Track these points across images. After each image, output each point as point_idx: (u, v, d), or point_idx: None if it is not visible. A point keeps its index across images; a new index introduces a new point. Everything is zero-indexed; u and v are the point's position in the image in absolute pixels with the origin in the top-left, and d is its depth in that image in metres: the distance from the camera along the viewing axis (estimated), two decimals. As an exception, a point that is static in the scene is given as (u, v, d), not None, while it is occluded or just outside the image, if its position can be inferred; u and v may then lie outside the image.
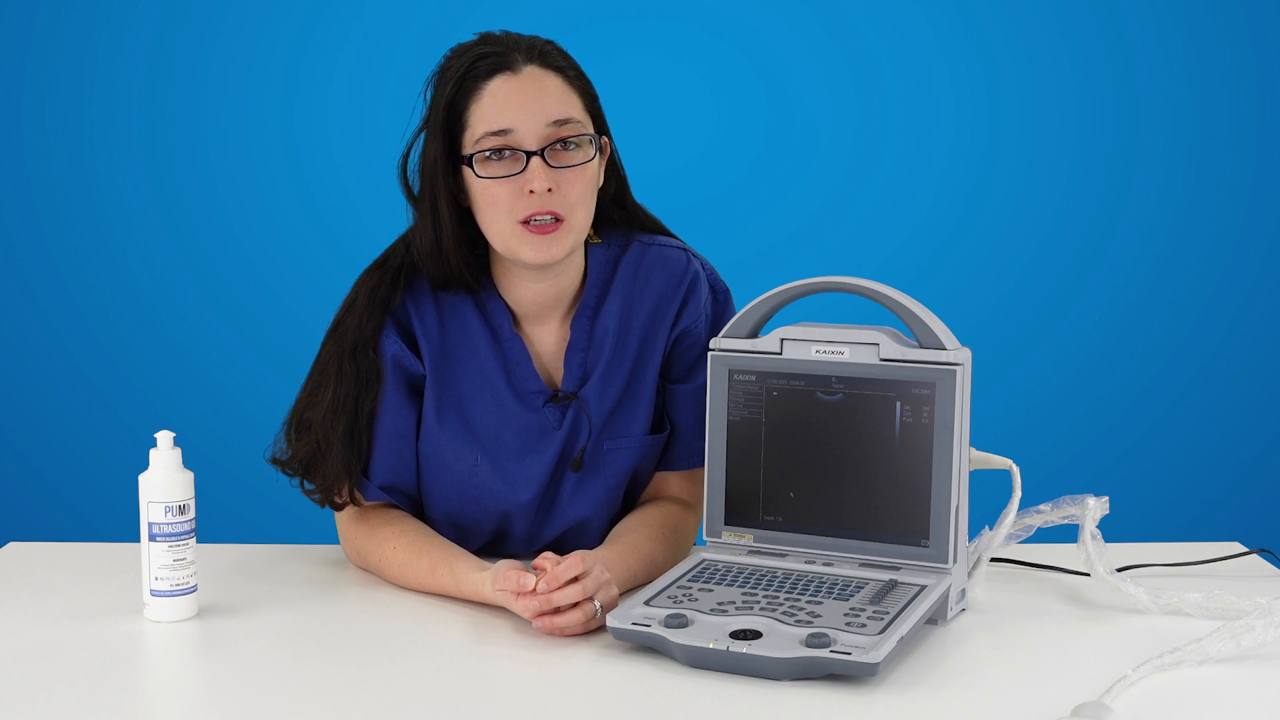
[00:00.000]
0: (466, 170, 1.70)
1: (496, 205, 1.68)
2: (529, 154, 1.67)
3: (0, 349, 3.52)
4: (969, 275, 3.52)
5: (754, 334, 1.70)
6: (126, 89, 3.48)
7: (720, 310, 1.86)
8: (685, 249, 1.85)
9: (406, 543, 1.74)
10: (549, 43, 1.73)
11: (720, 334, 1.70)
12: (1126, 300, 3.55)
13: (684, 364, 1.84)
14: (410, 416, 1.79)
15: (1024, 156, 3.53)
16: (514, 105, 1.67)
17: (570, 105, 1.69)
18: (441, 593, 1.70)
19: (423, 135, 1.73)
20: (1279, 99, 3.48)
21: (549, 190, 1.66)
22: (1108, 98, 3.50)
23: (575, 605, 1.54)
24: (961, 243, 3.54)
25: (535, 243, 1.68)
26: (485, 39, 1.73)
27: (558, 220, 1.68)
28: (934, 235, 3.54)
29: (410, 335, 1.78)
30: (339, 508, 1.79)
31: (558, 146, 1.68)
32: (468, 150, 1.69)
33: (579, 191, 1.69)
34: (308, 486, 1.78)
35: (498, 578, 1.59)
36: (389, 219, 1.83)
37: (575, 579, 1.55)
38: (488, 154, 1.67)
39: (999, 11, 3.49)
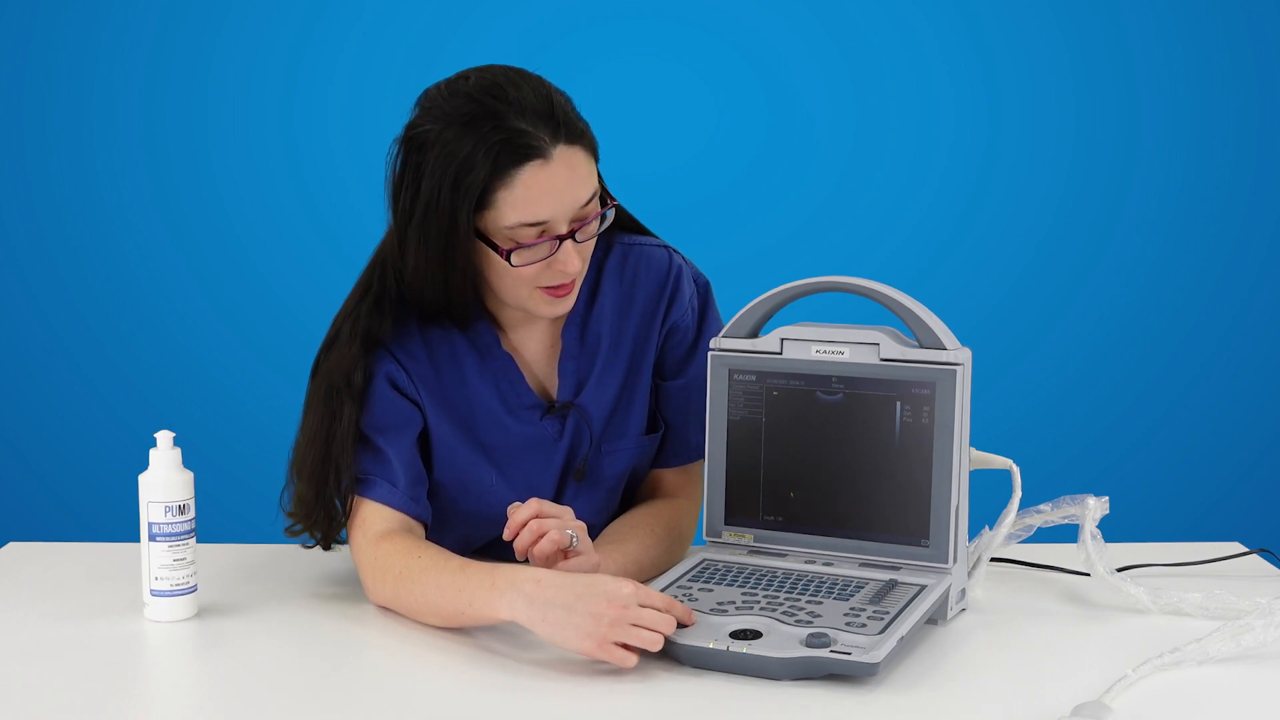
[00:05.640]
0: (483, 245, 1.65)
1: (520, 277, 1.66)
2: (560, 238, 1.65)
3: (0, 349, 3.52)
4: (969, 275, 3.52)
5: (754, 334, 1.70)
6: (126, 89, 3.47)
7: (704, 302, 1.85)
8: (664, 246, 1.85)
9: (434, 552, 1.64)
10: (564, 102, 1.65)
11: (720, 334, 1.70)
12: (1126, 300, 3.54)
13: (675, 359, 1.84)
14: (416, 453, 1.74)
15: (1024, 156, 3.52)
16: (550, 197, 1.62)
17: (592, 176, 1.67)
18: (471, 585, 1.55)
19: (425, 196, 1.63)
20: (1279, 99, 3.48)
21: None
22: (1108, 98, 3.50)
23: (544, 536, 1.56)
24: (961, 243, 3.54)
25: (552, 303, 1.69)
26: (490, 101, 1.61)
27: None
28: (934, 235, 3.54)
29: (405, 374, 1.73)
30: (346, 516, 1.71)
31: (581, 223, 1.66)
32: (498, 239, 1.63)
33: (589, 251, 1.70)
34: (317, 536, 1.72)
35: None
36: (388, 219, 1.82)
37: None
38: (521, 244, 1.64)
39: (999, 11, 3.49)
